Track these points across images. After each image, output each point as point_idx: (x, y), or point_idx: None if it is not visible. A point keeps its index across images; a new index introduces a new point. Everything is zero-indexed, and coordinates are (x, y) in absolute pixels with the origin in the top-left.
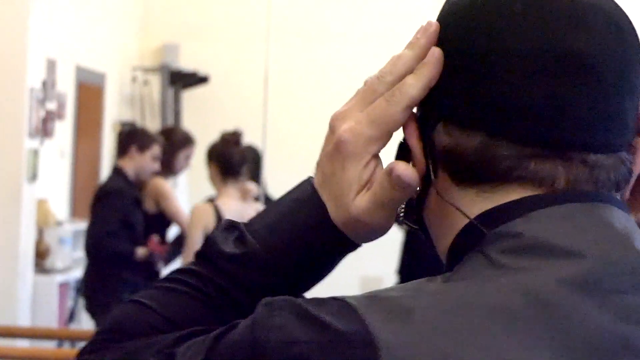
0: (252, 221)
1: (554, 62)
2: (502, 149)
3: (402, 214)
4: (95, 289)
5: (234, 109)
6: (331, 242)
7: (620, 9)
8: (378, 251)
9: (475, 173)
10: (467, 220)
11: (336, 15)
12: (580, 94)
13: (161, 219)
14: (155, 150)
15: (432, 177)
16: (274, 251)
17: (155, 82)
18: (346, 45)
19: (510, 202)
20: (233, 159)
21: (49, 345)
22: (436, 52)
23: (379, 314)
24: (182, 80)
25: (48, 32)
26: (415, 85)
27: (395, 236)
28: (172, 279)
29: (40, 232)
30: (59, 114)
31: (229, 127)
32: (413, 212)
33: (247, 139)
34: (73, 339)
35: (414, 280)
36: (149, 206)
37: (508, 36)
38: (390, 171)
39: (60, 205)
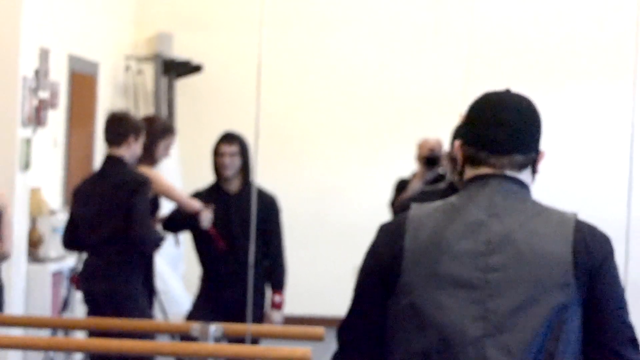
0: None
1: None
2: (481, 153)
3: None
4: (121, 279)
5: (227, 98)
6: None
7: (525, 102)
8: None
9: (472, 161)
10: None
11: (330, 5)
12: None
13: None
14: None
15: (463, 163)
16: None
17: (149, 71)
18: (340, 35)
19: (479, 175)
20: None
21: (42, 334)
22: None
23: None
24: (175, 69)
25: (41, 21)
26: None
27: None
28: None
29: (34, 221)
30: (51, 103)
31: (222, 115)
32: (461, 176)
33: (240, 128)
34: (66, 327)
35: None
36: None
37: (474, 116)
38: None
39: (53, 194)
